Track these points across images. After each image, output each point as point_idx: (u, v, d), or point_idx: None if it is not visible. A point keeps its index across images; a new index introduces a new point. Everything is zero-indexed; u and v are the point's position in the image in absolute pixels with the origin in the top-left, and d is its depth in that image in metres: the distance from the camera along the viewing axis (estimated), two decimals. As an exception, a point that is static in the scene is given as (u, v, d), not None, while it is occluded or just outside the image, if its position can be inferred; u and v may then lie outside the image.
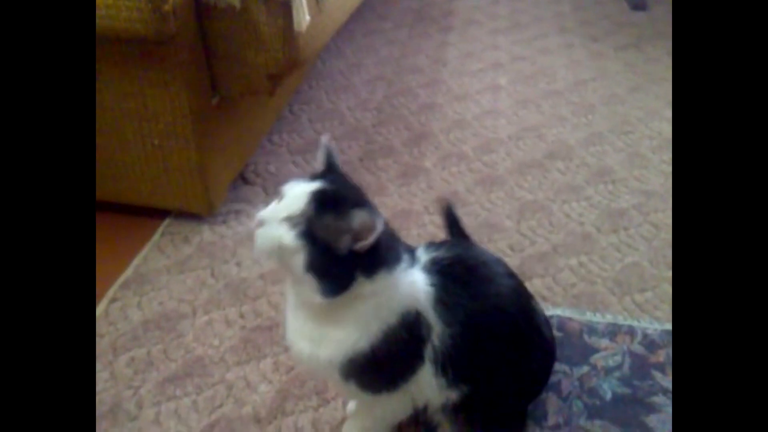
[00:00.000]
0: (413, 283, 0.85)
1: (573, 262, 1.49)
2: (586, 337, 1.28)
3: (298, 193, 0.77)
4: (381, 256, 0.80)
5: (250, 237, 0.78)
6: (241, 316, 1.30)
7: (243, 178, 1.72)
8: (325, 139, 0.86)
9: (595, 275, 1.45)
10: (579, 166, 1.86)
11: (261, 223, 0.76)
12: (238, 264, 1.44)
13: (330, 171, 0.84)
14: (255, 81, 1.43)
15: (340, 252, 0.75)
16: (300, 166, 1.80)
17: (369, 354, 0.82)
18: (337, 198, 0.78)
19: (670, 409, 1.14)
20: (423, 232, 1.57)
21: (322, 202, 0.76)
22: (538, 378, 1.03)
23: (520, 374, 0.98)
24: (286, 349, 1.23)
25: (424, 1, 3.14)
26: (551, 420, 1.12)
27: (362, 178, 1.76)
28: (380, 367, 0.84)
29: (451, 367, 0.88)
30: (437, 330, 0.86)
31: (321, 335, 0.84)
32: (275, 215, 0.76)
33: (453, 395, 0.91)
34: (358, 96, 2.22)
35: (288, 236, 0.75)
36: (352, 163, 1.83)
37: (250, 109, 1.69)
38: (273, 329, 1.27)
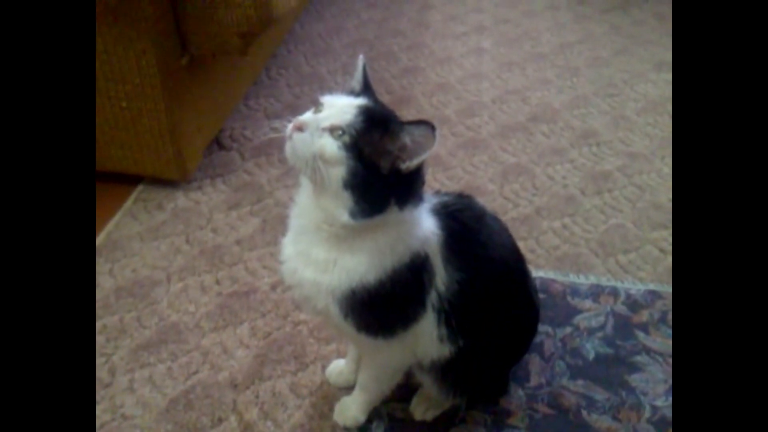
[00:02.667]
0: (426, 224, 0.83)
1: (556, 224, 1.46)
2: (569, 298, 1.27)
3: (344, 105, 0.74)
4: (416, 186, 0.77)
5: (277, 141, 0.74)
6: (217, 282, 1.27)
7: (218, 143, 1.67)
8: (362, 58, 0.83)
9: (578, 237, 1.43)
10: (563, 129, 1.83)
11: (301, 128, 0.72)
12: (214, 230, 1.40)
13: (367, 91, 0.80)
14: (226, 39, 1.37)
15: (383, 171, 0.72)
16: (277, 130, 1.75)
17: (373, 289, 0.78)
18: (384, 116, 0.75)
19: (652, 368, 1.13)
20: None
21: (370, 117, 0.73)
22: (525, 339, 1.01)
23: (512, 331, 0.96)
24: (264, 314, 1.20)
25: (406, -37, 3.05)
26: (534, 380, 1.11)
27: (342, 142, 1.71)
28: (381, 306, 0.81)
29: (454, 315, 0.85)
30: (442, 276, 0.84)
31: (329, 261, 0.79)
32: (318, 122, 0.73)
33: (448, 350, 0.88)
34: (338, 60, 2.15)
35: (332, 146, 0.71)
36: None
37: (224, 71, 1.63)
38: (250, 295, 1.24)
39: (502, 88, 2.02)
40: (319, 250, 0.80)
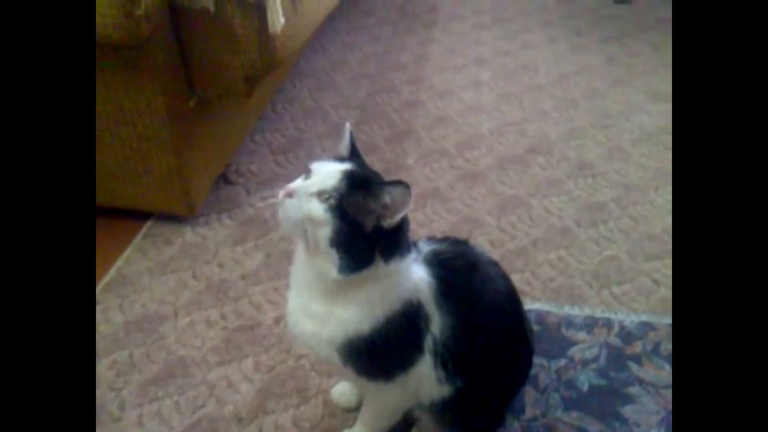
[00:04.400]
0: (417, 273, 0.88)
1: (552, 256, 1.50)
2: (564, 330, 1.30)
3: (330, 171, 0.80)
4: (399, 240, 0.83)
5: (275, 207, 0.81)
6: (223, 316, 1.31)
7: (224, 179, 1.72)
8: (349, 125, 0.90)
9: (573, 269, 1.47)
10: (559, 160, 1.88)
11: (291, 194, 0.79)
12: (220, 265, 1.45)
13: (353, 156, 0.88)
14: (232, 83, 1.43)
15: (367, 229, 0.78)
16: (282, 165, 1.81)
17: (368, 338, 0.84)
18: (366, 179, 0.81)
19: (645, 400, 1.16)
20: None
21: (353, 181, 0.79)
22: (521, 376, 1.06)
23: (508, 370, 1.01)
24: (267, 349, 1.24)
25: (407, -4, 3.14)
26: (528, 413, 1.14)
27: (344, 176, 1.77)
28: (377, 352, 0.86)
29: (450, 359, 0.90)
30: (437, 321, 0.89)
31: (326, 314, 0.85)
32: (306, 188, 0.79)
33: (446, 391, 0.93)
34: (341, 94, 2.22)
35: (318, 209, 0.77)
36: (334, 161, 1.84)
37: (230, 110, 1.69)
38: (254, 329, 1.29)
39: (500, 120, 2.08)
40: (316, 305, 0.86)
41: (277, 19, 1.34)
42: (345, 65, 2.44)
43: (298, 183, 0.81)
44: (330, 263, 0.80)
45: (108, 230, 1.51)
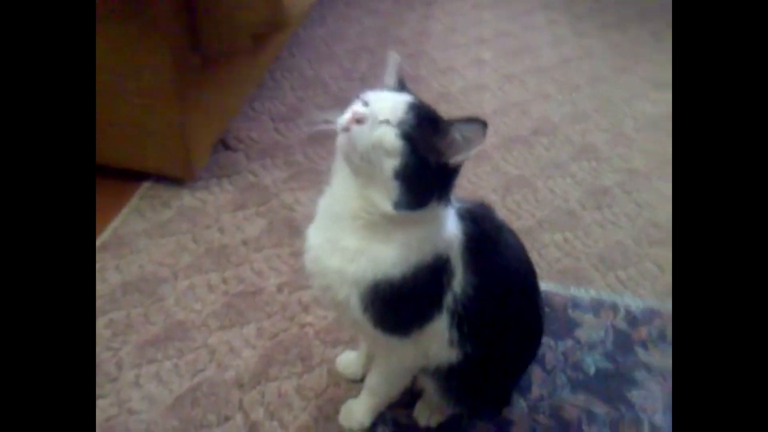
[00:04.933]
0: (452, 226, 0.85)
1: (558, 237, 1.49)
2: (570, 311, 1.29)
3: (395, 101, 0.76)
4: (453, 185, 0.80)
5: (337, 132, 0.76)
6: (224, 281, 1.27)
7: (224, 144, 1.67)
8: (395, 54, 0.85)
9: (579, 251, 1.45)
10: (563, 143, 1.86)
11: (360, 120, 0.73)
12: (220, 230, 1.40)
13: (402, 87, 0.83)
14: (238, 40, 1.38)
15: (432, 165, 0.74)
16: (282, 133, 1.76)
17: (396, 283, 0.80)
18: (433, 113, 0.78)
19: (651, 385, 1.16)
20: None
21: (422, 113, 0.75)
22: (530, 353, 1.03)
23: (519, 344, 0.98)
24: (270, 316, 1.21)
25: (408, -29, 3.08)
26: (535, 392, 1.13)
27: (347, 147, 1.73)
28: (401, 301, 0.82)
29: (466, 320, 0.86)
30: (460, 279, 0.85)
31: (358, 250, 0.80)
32: (376, 115, 0.74)
33: (455, 356, 0.89)
34: (341, 66, 2.17)
35: (391, 136, 0.73)
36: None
37: (232, 73, 1.63)
38: (256, 295, 1.25)
39: (504, 100, 2.05)
40: (350, 238, 0.81)
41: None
42: (344, 37, 2.38)
43: (365, 109, 0.75)
44: (386, 196, 0.75)
45: (105, 190, 1.44)
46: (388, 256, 0.79)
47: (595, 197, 1.64)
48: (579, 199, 1.63)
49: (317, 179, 1.58)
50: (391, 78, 0.85)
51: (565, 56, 2.40)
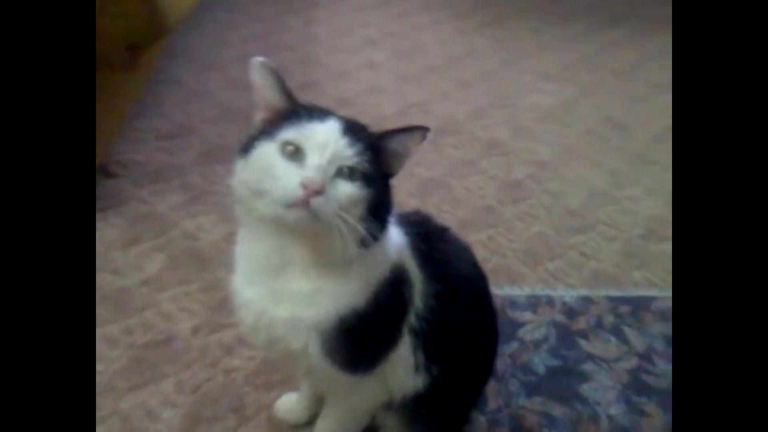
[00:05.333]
0: (396, 233, 0.75)
1: (482, 236, 1.44)
2: (509, 311, 1.24)
3: (334, 139, 0.64)
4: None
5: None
6: (127, 332, 1.08)
7: (105, 171, 1.45)
8: (260, 59, 0.69)
9: (505, 248, 1.42)
10: (470, 140, 1.84)
11: (320, 191, 0.61)
12: (114, 271, 1.20)
13: (293, 99, 0.70)
14: (112, 53, 1.20)
15: (384, 187, 0.68)
16: (173, 153, 1.57)
17: (362, 313, 0.69)
18: (362, 131, 0.68)
19: (599, 376, 1.13)
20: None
21: (357, 138, 0.65)
22: (491, 362, 0.95)
23: (481, 355, 0.90)
24: (189, 365, 1.04)
25: (284, -25, 2.96)
26: (492, 404, 1.06)
27: (248, 163, 1.58)
28: (368, 332, 0.71)
29: (431, 337, 0.77)
30: (419, 289, 0.76)
31: (315, 291, 0.69)
32: (325, 174, 0.62)
33: (421, 381, 0.79)
34: (227, 75, 2.00)
35: (353, 190, 0.64)
36: (233, 148, 1.62)
37: (107, 89, 1.42)
38: (169, 343, 1.07)
39: (403, 102, 2.00)
40: (300, 282, 0.69)
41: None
42: (226, 45, 2.22)
43: (316, 172, 0.62)
44: (349, 240, 0.64)
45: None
46: (351, 287, 0.69)
47: (511, 191, 1.62)
48: (495, 194, 1.60)
49: (219, 201, 1.42)
50: (276, 97, 0.69)
51: (454, 54, 2.40)
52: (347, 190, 0.63)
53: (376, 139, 0.68)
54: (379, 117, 1.88)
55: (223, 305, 1.16)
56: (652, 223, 1.58)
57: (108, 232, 1.29)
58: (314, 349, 0.70)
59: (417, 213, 0.86)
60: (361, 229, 0.64)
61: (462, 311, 0.80)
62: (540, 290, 1.31)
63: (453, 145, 1.80)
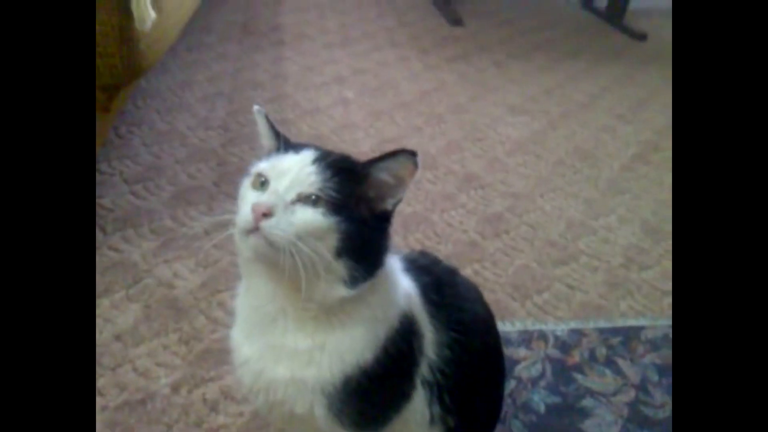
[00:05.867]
0: (403, 279, 0.71)
1: (468, 271, 1.42)
2: (504, 348, 1.21)
3: (298, 165, 0.62)
4: (390, 227, 0.66)
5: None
6: (100, 392, 1.00)
7: (71, 218, 1.37)
8: (258, 107, 0.71)
9: (492, 282, 1.39)
10: (446, 174, 1.83)
11: (268, 213, 0.58)
12: (84, 326, 1.12)
13: (284, 140, 0.69)
14: (86, 93, 1.14)
15: (368, 220, 0.62)
16: (142, 197, 1.51)
17: (370, 369, 0.65)
18: (344, 161, 0.64)
19: (599, 411, 1.11)
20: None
21: (335, 168, 0.62)
22: (499, 409, 0.92)
23: (495, 397, 0.86)
24: (170, 426, 0.97)
25: (248, 14, 2.95)
26: (494, 448, 1.02)
27: (223, 204, 1.52)
28: (376, 388, 0.66)
29: (447, 389, 0.73)
30: (431, 339, 0.72)
31: (315, 348, 0.64)
32: (284, 197, 0.59)
33: None
34: (196, 115, 1.95)
35: (316, 216, 0.59)
36: (207, 189, 1.58)
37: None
38: (147, 403, 1.00)
39: (378, 138, 1.98)
40: (298, 337, 0.65)
41: (147, 12, 1.09)
42: (194, 84, 2.17)
43: (267, 196, 0.60)
44: (332, 280, 0.61)
45: None
46: (356, 342, 0.65)
47: (491, 225, 1.61)
48: (476, 228, 1.58)
49: (195, 245, 1.36)
50: (268, 139, 0.71)
51: (423, 89, 2.41)
52: (305, 215, 0.60)
53: (359, 169, 0.64)
54: (356, 153, 1.84)
55: (204, 357, 1.09)
56: (630, 252, 1.59)
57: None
58: (320, 411, 0.66)
59: (423, 255, 0.83)
60: (336, 265, 0.60)
61: (477, 358, 0.77)
62: (531, 325, 1.29)
63: (430, 180, 1.78)
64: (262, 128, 0.71)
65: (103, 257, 1.29)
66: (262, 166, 0.64)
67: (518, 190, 1.79)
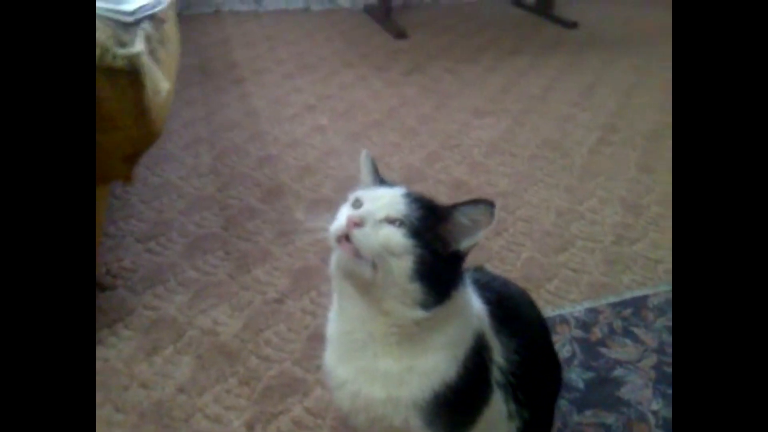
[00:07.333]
0: (476, 301, 0.80)
1: (482, 272, 1.52)
2: (537, 338, 1.32)
3: (391, 195, 0.73)
4: (462, 267, 0.75)
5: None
6: (186, 445, 1.05)
7: (98, 285, 1.40)
8: (366, 153, 0.82)
9: (502, 274, 1.50)
10: (435, 184, 1.93)
11: (360, 223, 0.67)
12: (143, 385, 1.16)
13: (382, 181, 0.80)
14: (110, 166, 1.19)
15: (444, 254, 0.71)
16: (158, 252, 1.54)
17: (455, 383, 0.74)
18: (430, 201, 0.74)
19: (631, 377, 1.23)
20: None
21: (422, 204, 0.72)
22: (557, 395, 1.03)
23: (555, 393, 0.97)
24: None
25: (201, 56, 2.98)
26: (554, 428, 1.12)
27: (237, 247, 1.58)
28: (465, 400, 0.76)
29: (519, 387, 0.83)
30: (498, 348, 0.82)
31: (402, 371, 0.73)
32: (375, 215, 0.68)
33: (515, 427, 0.85)
34: (184, 164, 1.99)
35: (398, 235, 0.68)
36: (218, 235, 1.63)
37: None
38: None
39: (362, 159, 2.06)
40: (388, 361, 0.74)
41: (161, 84, 1.15)
42: (171, 133, 2.20)
43: (363, 210, 0.69)
44: (409, 301, 0.70)
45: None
46: (440, 363, 0.74)
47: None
48: (477, 231, 1.69)
49: (225, 290, 1.42)
50: (369, 176, 0.81)
51: (390, 106, 2.51)
52: (389, 231, 0.69)
53: (441, 209, 0.74)
54: (347, 177, 1.94)
55: (267, 394, 1.15)
56: (618, 229, 1.73)
57: (124, 346, 1.25)
58: (416, 423, 0.75)
59: (481, 272, 0.93)
60: (411, 287, 0.69)
61: (538, 356, 0.89)
62: (552, 311, 1.40)
63: (424, 192, 1.88)
64: (367, 168, 0.81)
65: (141, 317, 1.32)
66: (360, 192, 0.75)
67: (504, 189, 1.91)
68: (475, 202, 0.73)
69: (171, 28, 1.50)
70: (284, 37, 3.31)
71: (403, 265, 0.68)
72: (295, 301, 1.39)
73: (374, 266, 0.67)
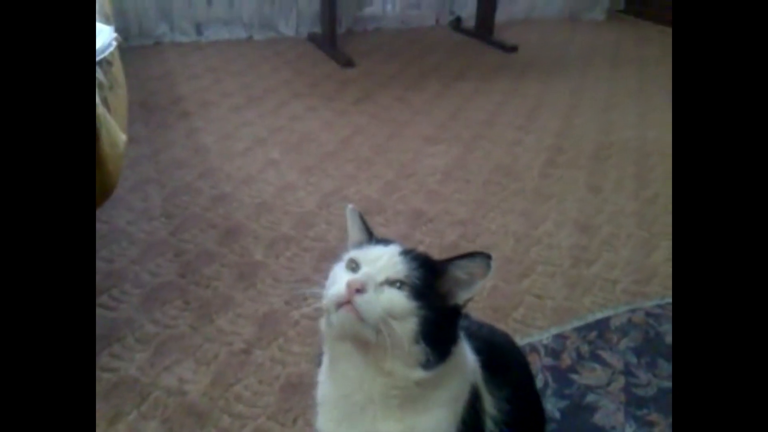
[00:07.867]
0: (469, 352, 0.80)
1: (448, 305, 1.52)
2: (506, 369, 1.33)
3: (388, 255, 0.72)
4: (460, 321, 0.76)
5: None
6: None
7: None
8: (351, 206, 0.83)
9: (473, 310, 1.50)
10: (394, 215, 1.93)
11: (361, 289, 0.66)
12: (111, 455, 1.10)
13: (374, 238, 0.80)
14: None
15: (444, 311, 0.71)
16: (111, 307, 1.47)
17: None
18: (427, 257, 0.74)
19: (603, 403, 1.25)
20: (300, 330, 1.42)
21: (420, 261, 0.72)
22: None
23: (541, 426, 0.98)
24: None
25: (143, 91, 2.89)
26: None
27: (197, 295, 1.52)
28: None
29: None
30: (489, 399, 0.81)
31: (405, 430, 0.72)
32: (375, 278, 0.67)
33: None
34: (132, 208, 1.91)
35: (401, 298, 0.68)
36: (175, 283, 1.57)
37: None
38: None
39: (319, 193, 2.05)
40: (390, 423, 0.73)
41: (118, 136, 1.10)
42: (116, 175, 2.11)
43: (362, 275, 0.68)
44: (412, 363, 0.69)
45: None
46: (441, 422, 0.74)
47: (448, 254, 1.72)
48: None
49: (188, 343, 1.36)
50: (359, 233, 0.81)
51: (342, 136, 2.51)
52: (392, 295, 0.68)
53: (438, 264, 0.74)
54: (304, 213, 1.91)
55: (243, 453, 1.11)
56: (574, 252, 1.78)
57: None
58: None
59: (468, 319, 0.92)
60: (414, 348, 0.69)
61: (527, 403, 0.89)
62: (520, 340, 1.41)
63: (382, 223, 1.88)
64: (355, 224, 0.81)
65: (100, 381, 1.25)
66: (355, 253, 0.73)
67: (463, 217, 1.93)
68: (471, 255, 0.74)
69: (117, 70, 1.45)
70: (229, 68, 3.26)
71: (408, 327, 0.68)
72: (263, 351, 1.35)
73: (377, 330, 0.66)
